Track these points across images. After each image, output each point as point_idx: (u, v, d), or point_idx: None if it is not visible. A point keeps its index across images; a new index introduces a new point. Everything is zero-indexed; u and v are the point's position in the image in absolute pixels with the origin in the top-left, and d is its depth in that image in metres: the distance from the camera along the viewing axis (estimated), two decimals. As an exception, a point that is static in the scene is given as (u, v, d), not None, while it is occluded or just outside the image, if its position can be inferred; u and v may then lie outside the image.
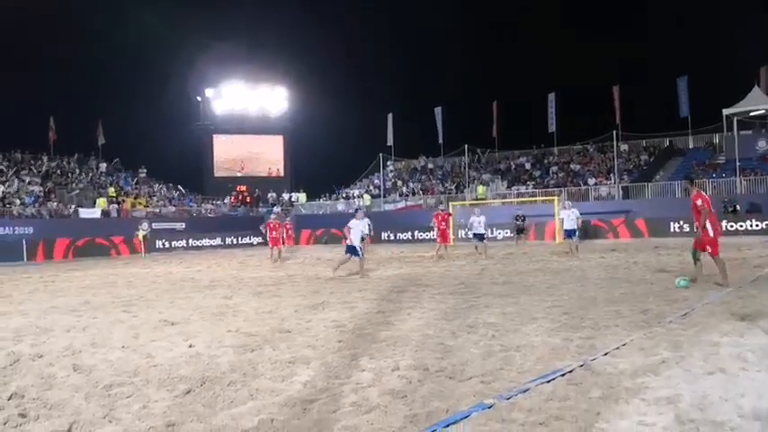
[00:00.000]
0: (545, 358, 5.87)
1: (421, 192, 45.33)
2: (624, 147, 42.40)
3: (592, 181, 39.38)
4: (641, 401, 4.46)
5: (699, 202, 10.67)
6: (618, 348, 6.11)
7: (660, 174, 38.75)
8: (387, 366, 5.75)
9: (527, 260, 18.88)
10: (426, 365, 5.70)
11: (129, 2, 56.72)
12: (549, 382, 5.02)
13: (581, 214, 20.82)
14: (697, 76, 41.36)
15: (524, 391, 4.77)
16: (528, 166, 45.56)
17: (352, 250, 15.47)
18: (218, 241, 38.69)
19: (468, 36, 64.47)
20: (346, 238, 15.81)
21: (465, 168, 45.00)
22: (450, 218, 21.41)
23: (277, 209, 45.50)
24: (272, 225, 23.26)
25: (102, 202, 39.42)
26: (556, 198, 32.54)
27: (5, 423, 4.53)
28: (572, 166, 43.03)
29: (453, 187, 44.67)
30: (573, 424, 4.05)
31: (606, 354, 5.90)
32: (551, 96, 45.11)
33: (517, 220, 30.70)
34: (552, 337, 6.85)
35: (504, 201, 39.20)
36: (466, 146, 44.30)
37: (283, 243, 25.24)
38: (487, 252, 21.82)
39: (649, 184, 36.55)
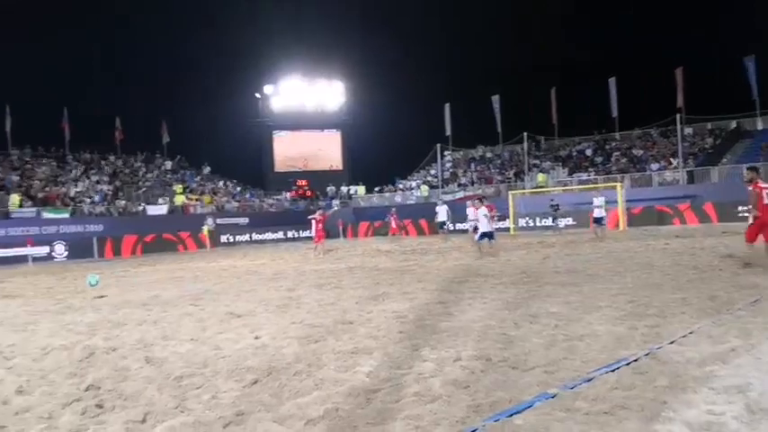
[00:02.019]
0: (609, 347, 5.78)
1: (479, 181, 44.94)
2: (688, 130, 41.05)
3: (655, 166, 38.33)
4: (710, 390, 4.37)
5: (750, 188, 11.24)
6: (685, 336, 5.98)
7: (727, 157, 37.36)
8: (448, 357, 5.75)
9: (590, 248, 18.56)
10: (488, 356, 5.68)
11: (191, 7, 57.83)
12: (613, 371, 4.95)
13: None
14: (765, 55, 39.68)
15: (588, 381, 4.72)
16: (589, 152, 44.66)
17: (486, 235, 17.58)
18: (279, 235, 39.42)
19: (524, 23, 63.32)
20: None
21: (524, 156, 44.35)
22: (495, 209, 21.30)
23: (336, 202, 45.98)
24: (317, 218, 23.43)
25: (180, 198, 40.79)
26: (618, 185, 31.83)
27: (84, 413, 4.74)
28: (634, 151, 41.98)
29: (512, 175, 44.15)
30: (639, 413, 4.00)
31: (673, 342, 5.78)
32: (612, 81, 44.11)
33: (552, 208, 30.73)
34: (617, 325, 6.73)
35: (565, 188, 38.58)
36: (525, 134, 43.67)
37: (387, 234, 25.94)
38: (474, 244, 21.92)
39: (716, 167, 35.30)
